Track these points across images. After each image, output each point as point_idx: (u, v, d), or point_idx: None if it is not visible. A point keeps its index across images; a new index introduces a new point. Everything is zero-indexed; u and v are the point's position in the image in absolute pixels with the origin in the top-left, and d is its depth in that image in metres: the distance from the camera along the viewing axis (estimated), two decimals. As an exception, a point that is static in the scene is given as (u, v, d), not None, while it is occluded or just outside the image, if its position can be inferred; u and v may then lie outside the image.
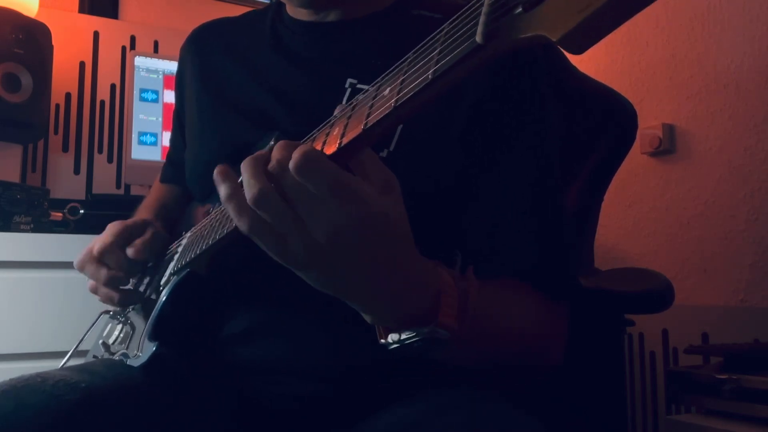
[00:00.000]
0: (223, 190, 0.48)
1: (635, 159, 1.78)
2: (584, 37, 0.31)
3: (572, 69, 1.11)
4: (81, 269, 0.78)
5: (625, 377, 1.67)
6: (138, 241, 0.76)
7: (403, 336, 0.49)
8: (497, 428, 0.59)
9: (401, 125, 0.67)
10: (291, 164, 0.44)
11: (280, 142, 0.47)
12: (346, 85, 0.71)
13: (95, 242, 0.77)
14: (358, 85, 0.71)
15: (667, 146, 1.73)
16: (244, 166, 0.47)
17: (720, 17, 1.65)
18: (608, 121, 1.13)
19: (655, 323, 1.70)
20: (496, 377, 0.68)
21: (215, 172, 0.49)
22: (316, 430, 0.69)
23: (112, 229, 0.77)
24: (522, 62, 0.69)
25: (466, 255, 0.67)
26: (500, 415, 0.61)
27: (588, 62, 1.89)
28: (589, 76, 1.16)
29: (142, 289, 0.81)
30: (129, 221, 0.79)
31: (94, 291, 0.79)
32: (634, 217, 1.83)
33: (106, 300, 0.80)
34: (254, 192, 0.45)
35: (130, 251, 0.75)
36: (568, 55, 0.97)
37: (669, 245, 1.74)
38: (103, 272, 0.76)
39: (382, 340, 0.51)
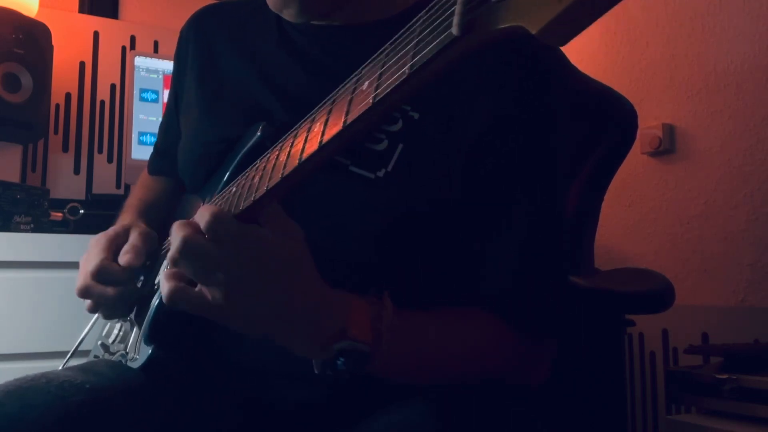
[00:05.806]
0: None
1: (635, 159, 1.78)
2: (565, 29, 0.30)
3: (573, 69, 1.11)
4: (84, 296, 0.73)
5: (625, 377, 1.67)
6: (126, 248, 0.71)
7: (327, 357, 0.52)
8: (497, 428, 0.59)
9: (401, 144, 0.65)
10: (202, 224, 0.49)
11: (202, 207, 0.52)
12: None
13: (89, 264, 0.71)
14: None
15: (667, 146, 1.73)
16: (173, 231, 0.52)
17: (720, 17, 1.65)
18: (608, 121, 1.13)
19: (655, 323, 1.70)
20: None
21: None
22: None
23: (97, 245, 0.72)
24: (533, 74, 0.66)
25: (452, 277, 0.67)
26: (500, 415, 0.61)
27: (588, 62, 1.89)
28: (589, 77, 1.16)
29: (139, 287, 0.80)
30: (110, 232, 0.75)
31: (93, 311, 0.75)
32: (634, 217, 1.83)
33: (107, 317, 0.76)
34: (175, 248, 0.50)
35: (122, 260, 0.70)
36: (568, 55, 0.97)
37: (669, 245, 1.73)
38: (110, 291, 0.71)
39: (316, 371, 0.54)
